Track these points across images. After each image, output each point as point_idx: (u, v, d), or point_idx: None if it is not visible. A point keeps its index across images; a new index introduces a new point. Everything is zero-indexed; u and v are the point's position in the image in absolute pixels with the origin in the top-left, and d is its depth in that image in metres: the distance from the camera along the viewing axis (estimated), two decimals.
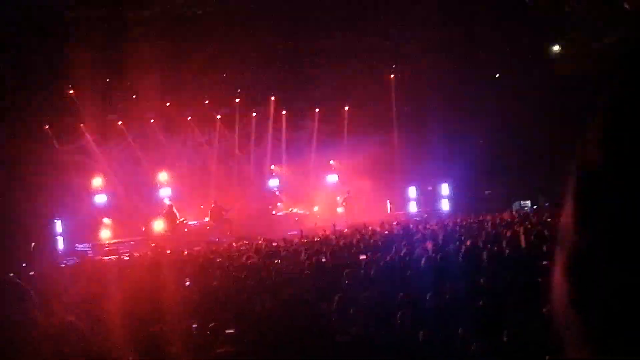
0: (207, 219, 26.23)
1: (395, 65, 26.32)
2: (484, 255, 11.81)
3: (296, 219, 26.69)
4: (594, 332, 0.80)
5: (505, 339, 6.95)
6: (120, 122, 26.68)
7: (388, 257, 13.07)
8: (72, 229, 24.93)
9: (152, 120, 27.30)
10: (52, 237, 23.90)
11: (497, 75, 25.00)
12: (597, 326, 0.80)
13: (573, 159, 0.89)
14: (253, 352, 7.37)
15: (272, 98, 27.87)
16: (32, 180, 22.40)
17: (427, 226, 19.99)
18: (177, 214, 25.16)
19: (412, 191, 27.99)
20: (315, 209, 27.81)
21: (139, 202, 27.36)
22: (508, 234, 14.78)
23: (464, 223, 19.48)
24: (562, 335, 0.84)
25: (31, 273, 15.50)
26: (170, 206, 25.25)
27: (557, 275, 0.86)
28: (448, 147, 24.65)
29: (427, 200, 27.91)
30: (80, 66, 21.60)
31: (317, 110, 29.03)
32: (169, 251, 19.30)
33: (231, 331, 8.03)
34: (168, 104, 26.61)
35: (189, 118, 27.92)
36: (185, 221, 25.64)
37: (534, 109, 23.43)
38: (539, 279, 9.50)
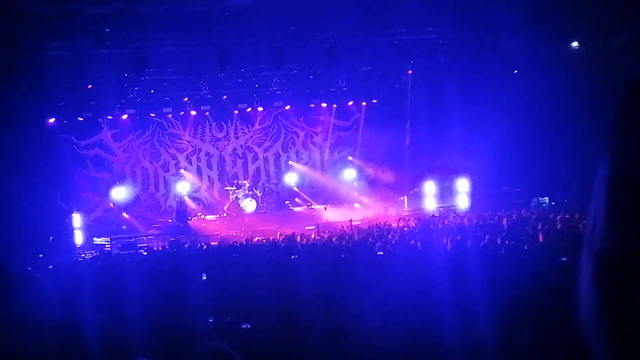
0: (225, 214, 26.32)
1: (414, 60, 26.16)
2: (502, 251, 11.76)
3: (313, 214, 26.71)
4: (623, 340, 0.76)
5: (524, 335, 6.90)
6: (138, 117, 26.79)
7: (406, 253, 13.02)
8: (91, 222, 25.09)
9: (170, 116, 27.41)
10: (71, 231, 24.04)
11: (515, 71, 24.82)
12: (628, 334, 0.75)
13: (604, 160, 0.85)
14: (269, 346, 7.37)
15: (290, 93, 27.86)
16: (50, 175, 22.54)
17: (445, 222, 19.92)
18: (188, 212, 25.21)
19: (429, 186, 27.84)
20: (332, 204, 27.79)
21: (157, 196, 27.52)
22: (526, 230, 14.70)
23: (482, 219, 19.40)
24: (590, 342, 0.80)
25: (50, 267, 15.59)
26: (181, 203, 25.32)
27: (585, 281, 0.81)
28: (466, 143, 24.54)
29: (445, 196, 27.79)
30: (100, 60, 21.72)
31: (334, 105, 29.04)
32: (186, 245, 19.36)
33: (247, 326, 8.02)
34: (186, 99, 26.72)
35: (207, 113, 27.99)
36: (198, 217, 25.71)
37: (552, 106, 23.27)
38: (557, 276, 9.44)
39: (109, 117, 26.34)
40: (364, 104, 29.09)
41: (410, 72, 26.98)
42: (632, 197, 0.80)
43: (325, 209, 26.12)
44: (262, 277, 11.64)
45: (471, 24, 22.62)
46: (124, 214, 26.21)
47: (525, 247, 12.14)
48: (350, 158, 29.52)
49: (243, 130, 28.85)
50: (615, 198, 0.83)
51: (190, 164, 28.17)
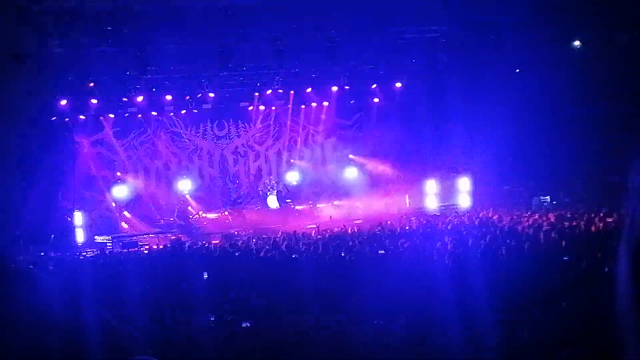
0: (226, 212, 26.27)
1: (416, 58, 26.11)
2: (503, 250, 11.76)
3: (315, 212, 26.66)
4: None
5: (526, 333, 6.91)
6: (140, 115, 26.76)
7: (407, 252, 13.03)
8: (92, 221, 25.07)
9: (172, 114, 27.38)
10: (72, 229, 24.02)
11: (517, 70, 24.81)
12: None
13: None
14: (268, 345, 7.37)
15: (292, 92, 27.83)
16: (52, 173, 22.57)
17: (447, 221, 19.90)
18: (192, 210, 25.24)
19: (431, 185, 27.78)
20: (335, 202, 27.75)
21: (158, 194, 27.49)
22: (527, 230, 14.70)
23: (484, 218, 19.39)
24: (625, 335, 0.81)
25: (51, 266, 15.60)
26: (184, 202, 25.35)
27: (622, 275, 0.82)
28: (468, 142, 24.54)
29: (446, 195, 27.74)
30: (102, 58, 21.73)
31: (336, 104, 29.00)
32: (188, 244, 19.35)
33: (247, 324, 8.03)
34: (188, 97, 26.68)
35: (209, 111, 27.95)
36: (200, 216, 25.73)
37: (554, 105, 23.26)
38: (558, 275, 9.44)
39: (111, 115, 26.29)
40: (365, 102, 29.05)
41: (412, 70, 26.94)
42: None
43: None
44: (263, 275, 11.66)
45: (473, 22, 22.62)
46: (126, 213, 26.18)
47: (526, 247, 12.14)
48: (351, 156, 29.46)
49: (244, 128, 28.83)
50: None
51: (192, 162, 28.16)
